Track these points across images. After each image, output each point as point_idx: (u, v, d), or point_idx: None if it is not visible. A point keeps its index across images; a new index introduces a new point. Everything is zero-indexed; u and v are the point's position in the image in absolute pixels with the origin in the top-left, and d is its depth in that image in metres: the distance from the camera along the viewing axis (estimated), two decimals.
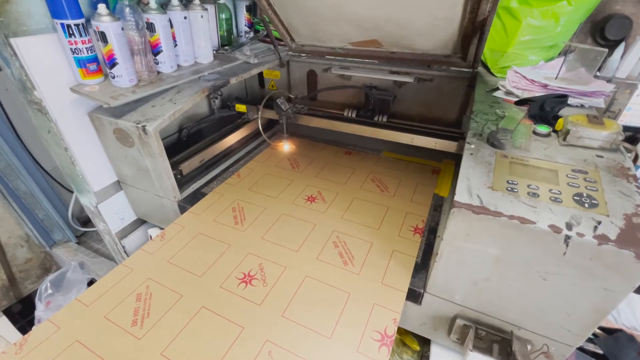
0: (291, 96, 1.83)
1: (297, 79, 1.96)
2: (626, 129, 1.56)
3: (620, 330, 1.34)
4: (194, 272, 1.12)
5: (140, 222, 1.68)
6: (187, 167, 1.55)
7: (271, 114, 1.76)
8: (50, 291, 1.74)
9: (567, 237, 0.75)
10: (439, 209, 1.39)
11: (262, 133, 1.79)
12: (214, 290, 1.06)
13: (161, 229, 1.60)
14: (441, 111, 1.70)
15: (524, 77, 1.31)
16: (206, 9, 1.52)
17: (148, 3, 1.34)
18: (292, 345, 0.92)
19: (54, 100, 1.24)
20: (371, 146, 1.91)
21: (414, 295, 1.05)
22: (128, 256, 1.50)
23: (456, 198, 0.81)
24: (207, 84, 1.44)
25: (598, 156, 0.95)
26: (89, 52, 1.22)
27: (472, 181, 0.86)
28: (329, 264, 1.13)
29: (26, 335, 0.95)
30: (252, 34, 1.96)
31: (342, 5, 1.38)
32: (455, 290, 0.96)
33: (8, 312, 1.92)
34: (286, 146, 1.88)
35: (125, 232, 1.63)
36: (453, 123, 1.68)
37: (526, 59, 1.43)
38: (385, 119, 1.71)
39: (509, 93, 1.33)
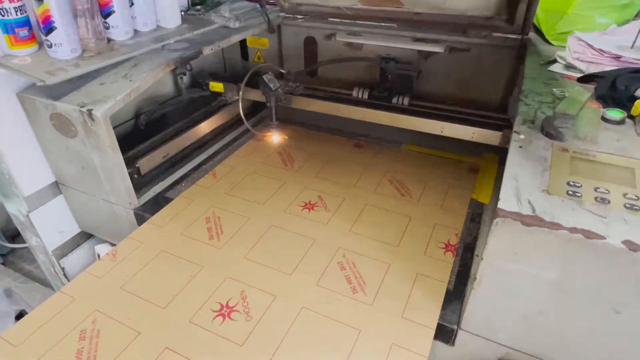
0: (283, 71, 1.83)
1: (290, 49, 1.96)
2: None
3: None
4: (155, 303, 1.11)
5: (85, 236, 1.67)
6: (146, 163, 1.56)
7: (257, 95, 1.76)
8: None
9: None
10: (477, 219, 1.39)
11: (244, 120, 1.79)
12: (181, 326, 1.05)
13: (112, 245, 1.60)
14: (480, 91, 1.69)
15: (590, 46, 1.30)
16: None
17: None
18: None
19: None
20: (389, 137, 1.90)
21: (444, 333, 1.04)
22: (69, 280, 1.50)
23: (500, 205, 0.81)
24: (173, 55, 1.44)
25: None
26: (19, 13, 1.22)
27: (521, 182, 0.86)
28: (332, 292, 1.13)
29: None
30: None
31: None
32: (499, 326, 0.96)
33: None
34: (276, 137, 1.88)
35: (65, 250, 1.63)
36: (496, 106, 1.68)
37: (593, 22, 1.43)
38: (406, 102, 1.70)
39: (569, 67, 1.32)
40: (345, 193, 1.53)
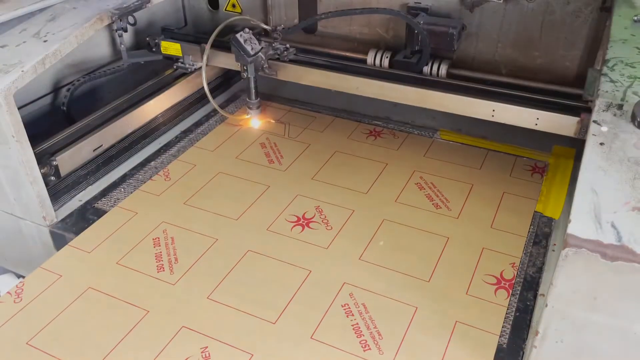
0: (266, 27, 1.82)
1: None
2: None
3: None
4: None
5: None
6: (68, 160, 1.55)
7: (229, 61, 1.75)
8: None
9: None
10: (543, 241, 1.38)
11: (210, 97, 1.79)
12: None
13: (18, 277, 1.59)
14: (549, 57, 1.68)
15: None
16: None
17: None
18: None
19: None
20: (417, 120, 1.89)
21: None
22: None
23: (572, 229, 0.81)
24: (107, 4, 1.43)
25: None
26: None
27: (602, 196, 0.85)
28: (334, 350, 1.12)
29: None
30: None
31: None
32: None
33: None
34: (256, 122, 1.88)
35: None
36: (571, 80, 1.67)
37: None
38: (443, 71, 1.69)
39: None
40: (355, 203, 1.52)
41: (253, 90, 1.76)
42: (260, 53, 1.65)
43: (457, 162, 1.69)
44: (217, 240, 1.40)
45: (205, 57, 1.74)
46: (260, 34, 1.76)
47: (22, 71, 1.24)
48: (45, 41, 1.32)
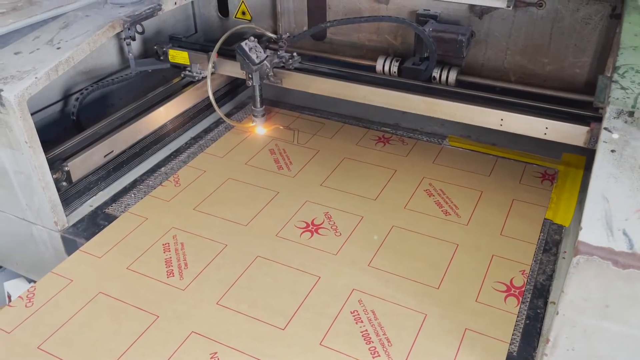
0: (272, 35, 1.83)
1: (290, 2, 1.96)
2: None
3: None
4: None
5: None
6: (80, 166, 1.56)
7: (235, 69, 1.76)
8: None
9: None
10: (553, 248, 1.37)
11: (215, 105, 1.79)
12: None
13: (30, 281, 1.59)
14: (558, 64, 1.68)
15: None
16: None
17: None
18: None
19: None
20: (426, 127, 1.89)
21: None
22: None
23: (583, 237, 0.80)
24: (119, 12, 1.43)
25: None
26: None
27: (613, 204, 0.85)
28: (344, 356, 1.12)
29: None
30: None
31: None
32: None
33: None
34: (261, 130, 1.88)
35: None
36: (581, 87, 1.66)
37: None
38: (452, 78, 1.69)
39: None
40: (364, 209, 1.52)
41: (258, 99, 1.76)
42: (265, 61, 1.65)
43: (467, 168, 1.69)
44: (226, 245, 1.40)
45: (210, 66, 1.74)
46: (269, 42, 1.77)
47: (36, 78, 1.25)
48: (58, 48, 1.33)
